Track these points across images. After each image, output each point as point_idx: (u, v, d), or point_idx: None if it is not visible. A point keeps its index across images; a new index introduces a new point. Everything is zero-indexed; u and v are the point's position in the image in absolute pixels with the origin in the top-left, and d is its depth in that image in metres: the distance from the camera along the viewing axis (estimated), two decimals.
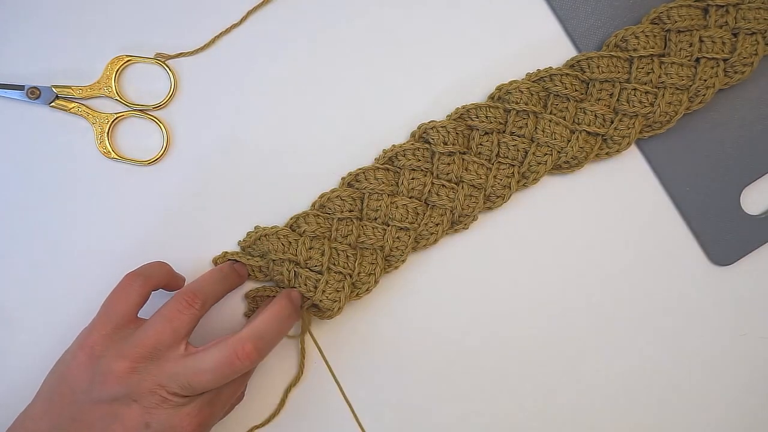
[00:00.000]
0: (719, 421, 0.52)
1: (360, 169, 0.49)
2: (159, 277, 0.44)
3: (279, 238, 0.47)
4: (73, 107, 0.48)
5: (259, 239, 0.47)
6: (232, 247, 0.49)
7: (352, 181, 0.49)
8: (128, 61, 0.49)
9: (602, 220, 0.52)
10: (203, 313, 0.43)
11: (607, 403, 0.51)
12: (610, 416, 0.51)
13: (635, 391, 0.51)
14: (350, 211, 0.48)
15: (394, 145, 0.49)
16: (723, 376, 0.52)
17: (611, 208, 0.52)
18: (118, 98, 0.49)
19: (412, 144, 0.48)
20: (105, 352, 0.40)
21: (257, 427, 0.47)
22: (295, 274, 0.46)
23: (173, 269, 0.46)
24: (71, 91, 0.48)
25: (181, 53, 0.50)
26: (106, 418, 0.39)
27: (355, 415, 0.50)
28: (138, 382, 0.39)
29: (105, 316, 0.42)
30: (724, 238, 0.52)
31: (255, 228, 0.49)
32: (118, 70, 0.49)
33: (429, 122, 0.49)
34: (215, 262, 0.48)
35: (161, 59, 0.49)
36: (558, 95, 0.49)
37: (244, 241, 0.48)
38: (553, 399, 0.50)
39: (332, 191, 0.48)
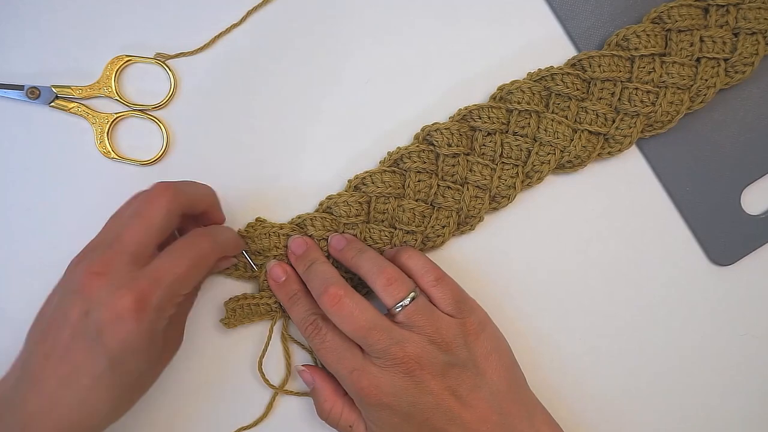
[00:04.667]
0: (718, 421, 0.52)
1: (367, 172, 0.48)
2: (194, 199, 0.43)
3: (280, 238, 0.46)
4: (73, 107, 0.48)
5: (258, 236, 0.47)
6: None
7: (358, 184, 0.48)
8: (128, 61, 0.49)
9: (602, 220, 0.51)
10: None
11: (606, 402, 0.51)
12: (608, 416, 0.51)
13: (634, 391, 0.51)
14: (357, 215, 0.47)
15: (399, 147, 0.49)
16: (722, 376, 0.52)
17: (611, 208, 0.52)
18: (117, 98, 0.49)
19: (417, 146, 0.48)
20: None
21: (245, 428, 0.47)
22: None
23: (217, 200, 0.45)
24: (71, 91, 0.48)
25: (181, 53, 0.50)
26: (58, 331, 0.38)
27: None
28: (74, 265, 0.40)
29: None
30: (724, 238, 0.52)
31: (256, 219, 0.48)
32: (117, 70, 0.49)
33: (432, 124, 0.49)
34: None
35: (161, 59, 0.49)
36: (559, 94, 0.49)
37: (246, 230, 0.48)
38: (551, 399, 0.50)
39: (339, 195, 0.48)
